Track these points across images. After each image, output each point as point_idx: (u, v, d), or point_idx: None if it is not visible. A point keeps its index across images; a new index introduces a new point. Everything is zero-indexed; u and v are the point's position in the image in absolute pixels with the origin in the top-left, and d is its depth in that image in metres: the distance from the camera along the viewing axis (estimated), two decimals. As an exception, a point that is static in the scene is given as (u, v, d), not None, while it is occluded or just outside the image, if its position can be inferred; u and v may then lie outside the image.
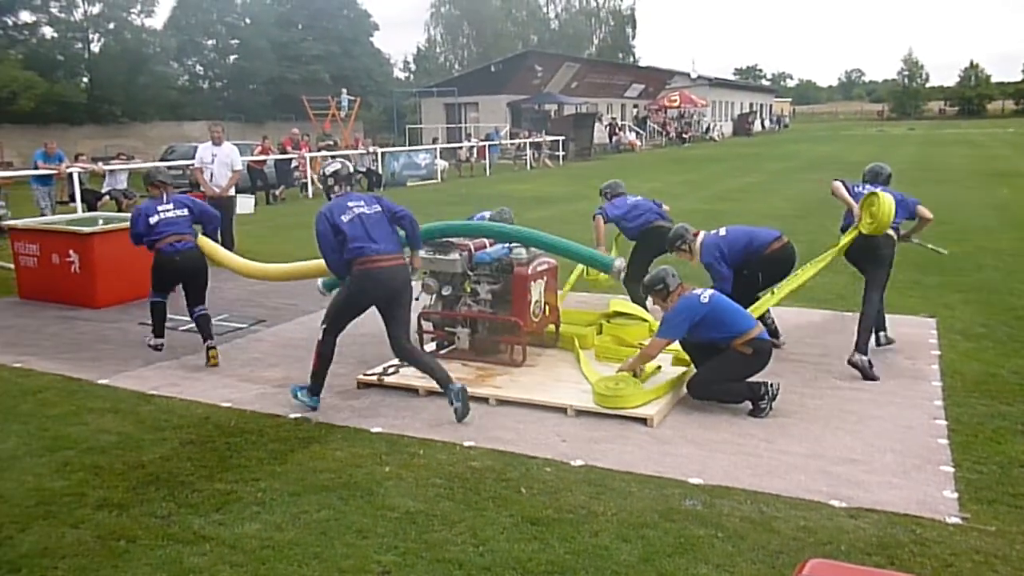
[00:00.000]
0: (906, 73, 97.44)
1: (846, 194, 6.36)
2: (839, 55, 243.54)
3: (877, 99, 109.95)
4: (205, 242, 6.86)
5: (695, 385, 5.25)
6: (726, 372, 5.16)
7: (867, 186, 6.44)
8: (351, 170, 5.56)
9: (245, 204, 16.81)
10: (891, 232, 6.15)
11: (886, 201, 5.88)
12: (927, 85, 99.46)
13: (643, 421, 4.95)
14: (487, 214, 6.71)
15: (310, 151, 21.66)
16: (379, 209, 5.27)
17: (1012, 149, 34.58)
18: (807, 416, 5.06)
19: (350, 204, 5.23)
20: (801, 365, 6.05)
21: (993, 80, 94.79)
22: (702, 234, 6.17)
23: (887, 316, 6.67)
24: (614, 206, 7.54)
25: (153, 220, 6.46)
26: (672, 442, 4.71)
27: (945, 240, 11.11)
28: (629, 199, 7.63)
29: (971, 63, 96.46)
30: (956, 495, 3.99)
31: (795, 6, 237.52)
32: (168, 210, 6.55)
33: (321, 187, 5.68)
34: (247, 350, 6.81)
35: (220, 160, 10.88)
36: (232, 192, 11.23)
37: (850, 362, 5.81)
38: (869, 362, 5.78)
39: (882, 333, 6.42)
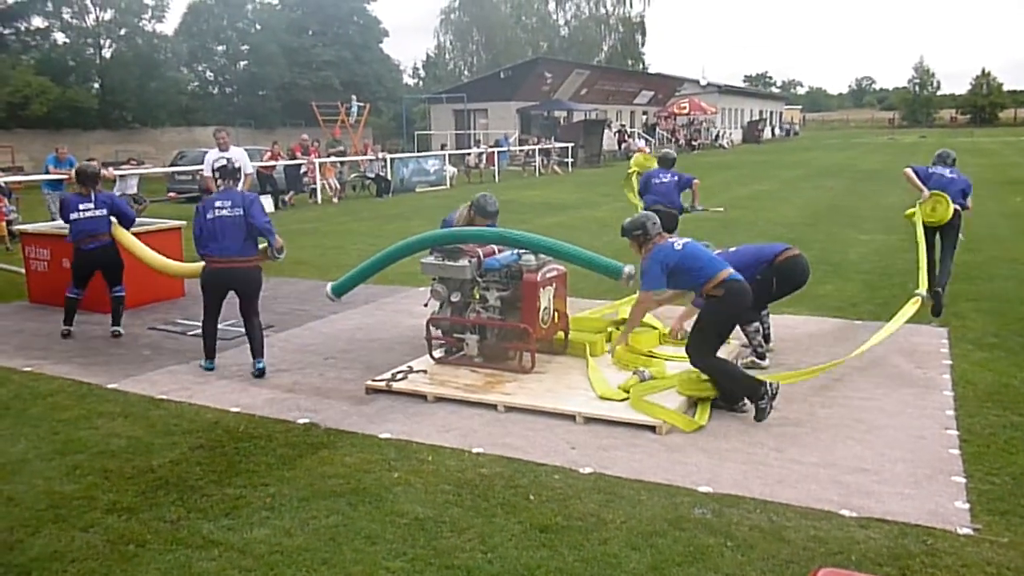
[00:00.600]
0: (917, 81, 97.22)
1: (917, 180, 7.94)
2: (850, 62, 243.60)
3: (888, 107, 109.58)
4: (123, 236, 7.49)
5: (691, 351, 5.25)
6: (709, 325, 5.18)
7: (938, 168, 8.02)
8: (235, 166, 6.44)
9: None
10: (957, 207, 7.84)
11: (945, 203, 7.70)
12: (938, 93, 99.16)
13: (652, 429, 4.94)
14: (461, 209, 6.62)
15: (319, 157, 21.74)
16: (240, 214, 6.06)
17: (1024, 157, 34.41)
18: (818, 425, 5.04)
19: (217, 204, 6.11)
20: (812, 374, 6.02)
21: (1005, 88, 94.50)
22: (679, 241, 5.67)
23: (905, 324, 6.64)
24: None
25: (74, 216, 7.21)
26: (682, 450, 4.70)
27: (957, 249, 11.10)
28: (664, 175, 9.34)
29: (983, 71, 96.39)
30: (968, 506, 3.97)
31: (805, 14, 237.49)
32: (89, 209, 7.24)
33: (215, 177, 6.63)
34: (256, 355, 6.82)
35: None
36: None
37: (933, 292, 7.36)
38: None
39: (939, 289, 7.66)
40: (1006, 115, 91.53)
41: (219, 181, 6.34)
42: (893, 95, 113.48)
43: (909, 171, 8.06)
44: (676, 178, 9.41)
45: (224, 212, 6.05)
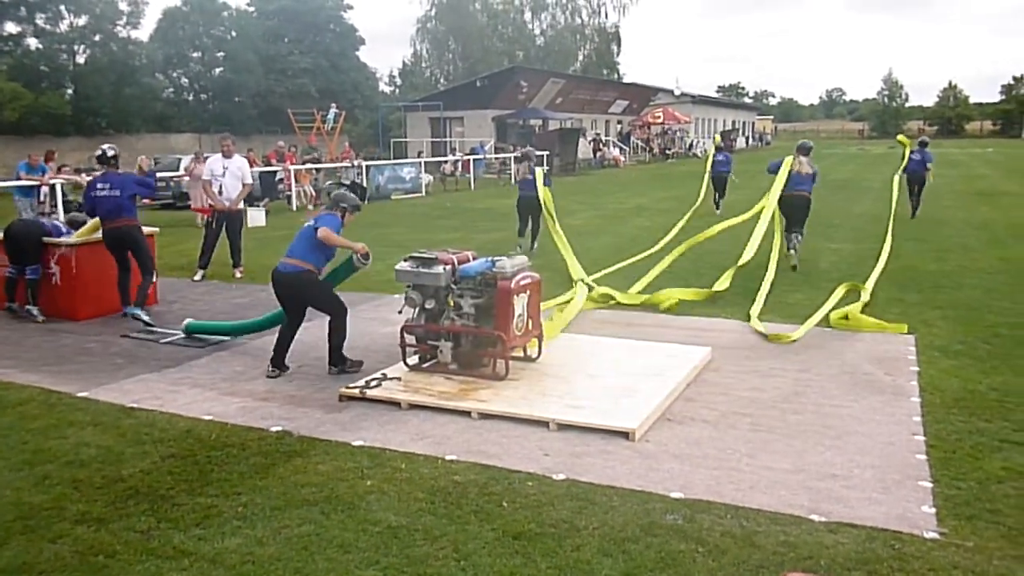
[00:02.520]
0: (886, 92, 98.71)
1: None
2: (821, 74, 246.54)
3: (858, 118, 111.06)
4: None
5: None
6: None
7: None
8: (114, 153, 8.41)
9: (257, 217, 16.75)
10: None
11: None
12: (907, 105, 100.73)
13: (626, 435, 4.96)
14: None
15: (295, 164, 21.64)
16: (118, 193, 8.18)
17: (992, 168, 35.02)
18: (790, 431, 5.09)
19: (99, 185, 8.23)
20: (783, 380, 6.09)
21: (972, 100, 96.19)
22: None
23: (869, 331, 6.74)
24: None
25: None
26: (655, 457, 4.71)
27: (925, 258, 11.30)
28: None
29: (950, 83, 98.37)
30: (935, 510, 4.02)
31: (778, 26, 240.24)
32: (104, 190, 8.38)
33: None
34: (230, 363, 6.77)
35: (231, 173, 10.66)
36: (241, 205, 11.13)
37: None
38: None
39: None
40: (972, 127, 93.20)
41: (102, 165, 8.33)
42: (863, 106, 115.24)
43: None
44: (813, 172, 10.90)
45: (104, 192, 8.19)
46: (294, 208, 20.20)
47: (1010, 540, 3.74)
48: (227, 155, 10.76)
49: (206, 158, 12.68)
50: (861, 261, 11.15)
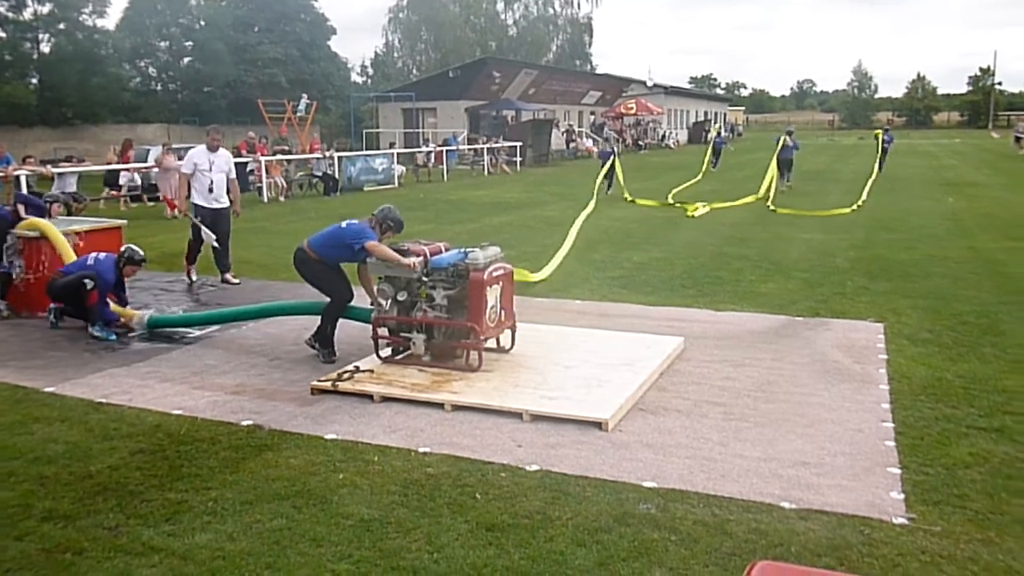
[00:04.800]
0: (856, 84, 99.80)
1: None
2: (792, 65, 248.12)
3: (828, 109, 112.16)
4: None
5: None
6: None
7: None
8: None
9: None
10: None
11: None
12: (876, 96, 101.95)
13: (599, 426, 4.97)
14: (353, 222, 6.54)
15: (266, 155, 21.41)
16: None
17: (959, 159, 35.55)
18: (761, 420, 5.13)
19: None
20: (755, 369, 6.14)
21: (939, 92, 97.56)
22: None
23: (838, 320, 6.83)
24: None
25: None
26: (628, 446, 4.73)
27: (895, 248, 11.46)
28: None
29: (918, 75, 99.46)
30: (903, 496, 4.07)
31: (750, 18, 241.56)
32: None
33: None
34: (201, 356, 6.69)
35: (219, 167, 9.66)
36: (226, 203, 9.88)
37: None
38: None
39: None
40: (940, 118, 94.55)
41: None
42: (833, 97, 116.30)
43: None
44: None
45: None
46: (265, 200, 20.00)
47: (976, 524, 3.80)
48: (212, 148, 9.71)
49: (179, 150, 12.37)
50: (831, 252, 11.26)
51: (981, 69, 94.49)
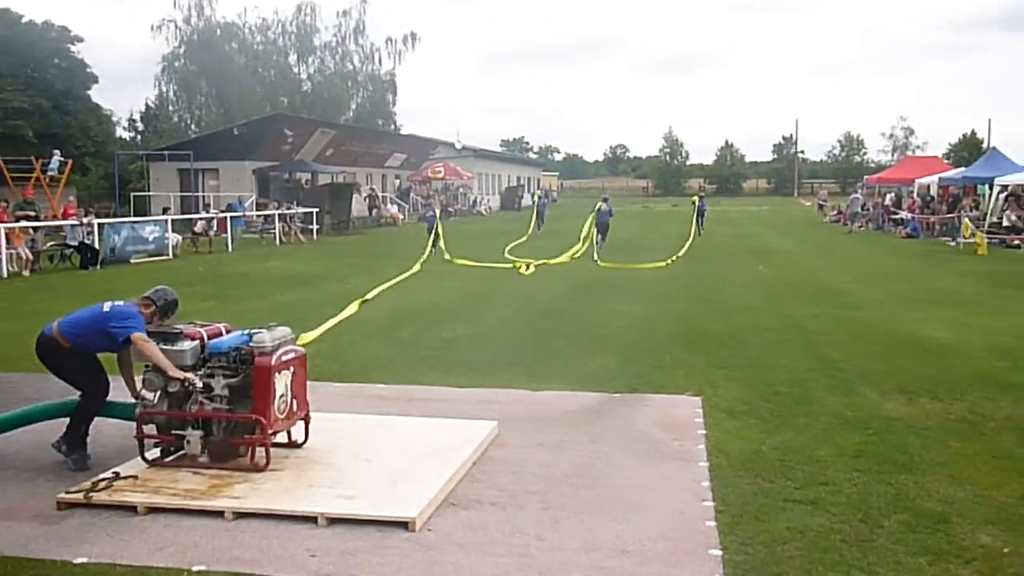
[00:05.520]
0: (667, 150, 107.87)
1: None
2: (605, 130, 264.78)
3: (642, 175, 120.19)
4: None
5: None
6: None
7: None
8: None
9: None
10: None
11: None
12: (688, 163, 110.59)
13: (405, 526, 4.90)
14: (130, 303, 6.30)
15: (7, 221, 19.85)
16: None
17: (766, 226, 39.13)
18: (580, 507, 5.26)
19: None
20: (574, 452, 6.31)
21: (747, 159, 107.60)
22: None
23: (657, 395, 7.22)
24: None
25: None
26: (438, 548, 4.69)
27: (711, 318, 12.32)
28: None
29: (726, 142, 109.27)
30: (725, 580, 4.30)
31: (563, 80, 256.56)
32: None
33: None
34: (-91, 471, 5.96)
35: None
36: None
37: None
38: None
39: None
40: (749, 185, 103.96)
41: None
42: (646, 163, 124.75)
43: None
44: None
45: None
46: (5, 274, 18.44)
47: (796, 604, 4.07)
48: None
49: None
50: (651, 325, 11.92)
51: (784, 137, 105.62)
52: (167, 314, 6.13)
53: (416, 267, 14.54)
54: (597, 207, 25.70)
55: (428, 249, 21.06)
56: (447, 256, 21.24)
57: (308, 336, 8.68)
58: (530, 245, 25.89)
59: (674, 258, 20.83)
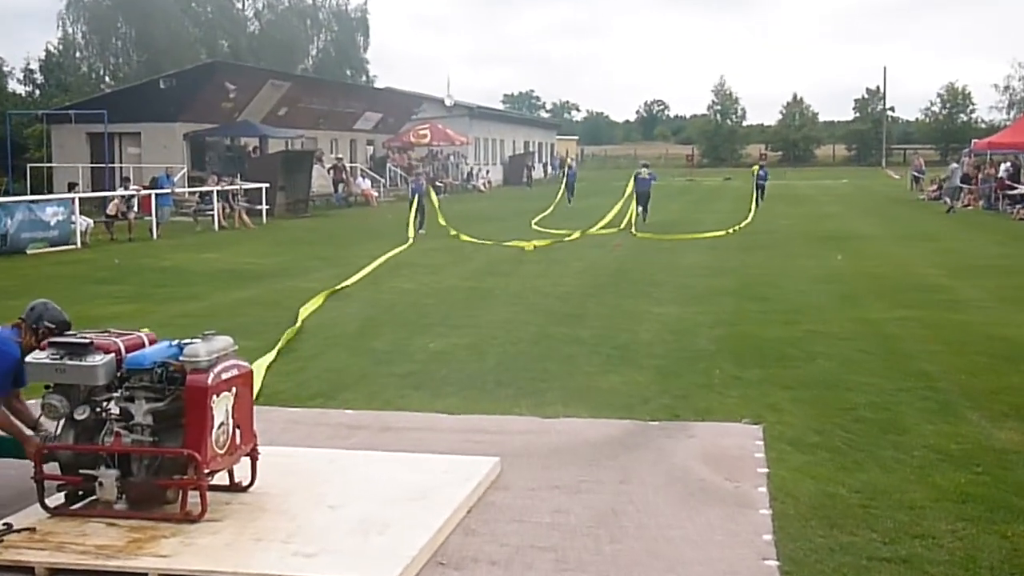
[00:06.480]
0: (718, 108, 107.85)
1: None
2: (637, 82, 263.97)
3: (685, 140, 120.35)
4: None
5: None
6: None
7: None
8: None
9: None
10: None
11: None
12: (744, 123, 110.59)
13: (380, 591, 4.91)
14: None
15: None
16: None
17: (844, 205, 39.11)
18: (604, 566, 5.26)
19: None
20: (596, 496, 6.31)
21: (821, 119, 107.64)
22: None
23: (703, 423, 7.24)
24: None
25: None
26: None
27: (769, 322, 12.32)
28: None
29: (795, 97, 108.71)
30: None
31: (578, 18, 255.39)
32: None
33: None
34: None
35: None
36: None
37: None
38: None
39: None
40: (823, 152, 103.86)
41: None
42: (691, 125, 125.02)
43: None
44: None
45: None
46: None
47: None
48: None
49: None
50: (692, 330, 11.93)
51: (868, 91, 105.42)
52: (45, 332, 6.05)
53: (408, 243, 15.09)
54: (636, 174, 29.34)
55: (412, 227, 22.20)
56: (453, 232, 24.32)
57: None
58: (558, 222, 29.59)
59: (735, 228, 23.63)
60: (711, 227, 26.50)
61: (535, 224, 27.99)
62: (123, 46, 58.69)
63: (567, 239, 23.68)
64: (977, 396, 8.66)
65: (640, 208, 28.37)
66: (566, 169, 46.37)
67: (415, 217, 25.18)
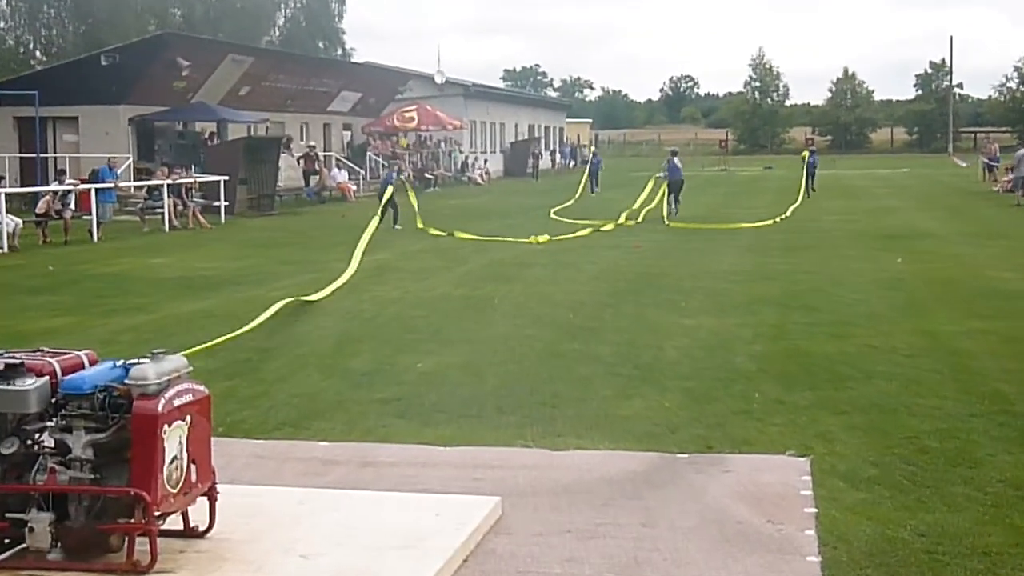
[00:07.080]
0: (756, 85, 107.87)
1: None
2: (661, 55, 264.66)
3: (718, 122, 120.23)
4: None
5: None
6: None
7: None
8: None
9: None
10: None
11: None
12: (787, 103, 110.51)
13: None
14: None
15: None
16: None
17: (905, 198, 39.06)
18: (624, 625, 5.25)
19: None
20: (616, 541, 6.29)
21: (877, 97, 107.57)
22: None
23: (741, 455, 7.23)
24: None
25: None
26: None
27: (818, 336, 12.31)
28: None
29: (846, 72, 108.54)
30: None
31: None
32: None
33: None
34: None
35: None
36: None
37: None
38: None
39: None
40: (879, 136, 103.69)
41: None
42: (724, 105, 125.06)
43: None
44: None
45: None
46: None
47: None
48: None
49: None
50: (727, 344, 11.91)
51: (932, 64, 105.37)
52: None
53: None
54: (668, 162, 32.71)
55: (376, 223, 22.05)
56: (434, 231, 25.09)
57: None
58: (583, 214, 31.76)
59: (782, 217, 24.98)
60: (747, 222, 26.54)
61: (554, 214, 31.67)
62: (57, 15, 58.79)
63: (602, 229, 26.54)
64: (1063, 422, 8.65)
65: (672, 197, 30.63)
66: (591, 157, 51.82)
67: (381, 213, 25.41)
